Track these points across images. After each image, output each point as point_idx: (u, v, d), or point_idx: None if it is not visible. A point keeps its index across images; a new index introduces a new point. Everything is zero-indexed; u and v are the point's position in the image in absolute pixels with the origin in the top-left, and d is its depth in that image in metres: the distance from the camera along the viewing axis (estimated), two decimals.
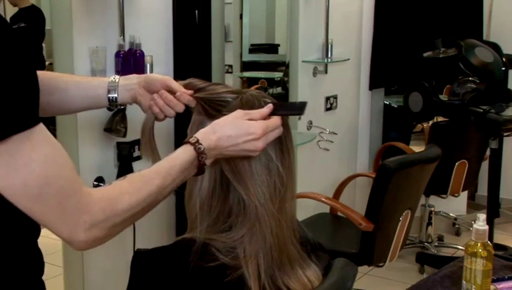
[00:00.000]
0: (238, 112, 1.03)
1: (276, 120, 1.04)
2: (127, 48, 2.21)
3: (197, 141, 0.99)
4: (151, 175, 0.95)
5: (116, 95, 1.18)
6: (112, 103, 1.20)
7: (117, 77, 1.21)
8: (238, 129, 1.00)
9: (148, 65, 2.23)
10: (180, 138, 1.21)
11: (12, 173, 0.77)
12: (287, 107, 1.15)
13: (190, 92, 1.11)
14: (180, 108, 1.13)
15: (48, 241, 0.94)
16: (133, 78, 1.21)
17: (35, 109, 0.79)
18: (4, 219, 0.84)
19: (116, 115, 2.19)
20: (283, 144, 1.07)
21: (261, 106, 1.06)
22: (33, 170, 0.78)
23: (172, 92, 1.14)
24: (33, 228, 0.89)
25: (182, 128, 1.17)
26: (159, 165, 0.97)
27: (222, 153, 1.01)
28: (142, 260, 1.03)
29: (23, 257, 0.89)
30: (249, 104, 1.06)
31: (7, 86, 0.74)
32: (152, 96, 1.15)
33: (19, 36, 0.78)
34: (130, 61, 2.19)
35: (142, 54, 2.23)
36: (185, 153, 0.98)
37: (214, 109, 1.07)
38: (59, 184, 0.81)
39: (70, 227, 0.84)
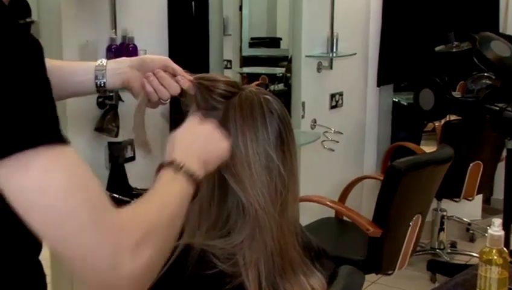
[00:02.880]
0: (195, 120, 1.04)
1: None
2: (119, 41, 2.22)
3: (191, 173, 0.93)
4: (165, 201, 0.88)
5: (104, 80, 1.13)
6: (100, 88, 1.14)
7: (104, 60, 1.16)
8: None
9: None
10: None
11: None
12: None
13: (191, 77, 1.10)
14: (176, 90, 1.10)
15: None
16: (123, 62, 1.17)
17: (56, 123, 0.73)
18: (4, 233, 0.81)
19: (108, 114, 2.19)
20: (284, 144, 1.07)
21: (260, 103, 1.06)
22: (54, 179, 0.71)
23: (170, 73, 1.12)
24: (34, 243, 0.86)
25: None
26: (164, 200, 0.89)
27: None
28: None
29: (24, 273, 0.87)
30: (248, 101, 1.06)
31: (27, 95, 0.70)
32: (146, 74, 1.12)
33: (34, 39, 0.74)
34: (123, 55, 2.20)
35: (135, 48, 2.23)
36: (182, 188, 0.91)
37: (210, 104, 1.07)
38: (88, 203, 0.73)
39: (111, 259, 0.72)
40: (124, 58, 1.19)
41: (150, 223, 0.79)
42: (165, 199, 0.87)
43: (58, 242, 0.72)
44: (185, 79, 1.10)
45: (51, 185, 0.70)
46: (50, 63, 0.78)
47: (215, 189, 1.05)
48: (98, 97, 2.21)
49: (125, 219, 0.77)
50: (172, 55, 2.43)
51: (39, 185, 0.70)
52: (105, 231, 0.73)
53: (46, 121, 0.72)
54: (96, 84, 1.14)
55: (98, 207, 0.74)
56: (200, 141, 1.01)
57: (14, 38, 0.71)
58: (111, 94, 2.10)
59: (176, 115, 2.35)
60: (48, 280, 2.32)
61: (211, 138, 1.02)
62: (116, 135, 2.19)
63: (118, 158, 2.21)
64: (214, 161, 1.01)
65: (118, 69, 1.14)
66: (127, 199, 2.04)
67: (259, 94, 1.09)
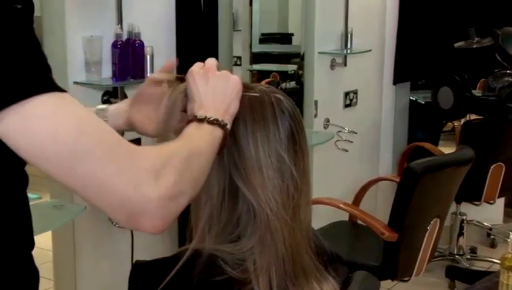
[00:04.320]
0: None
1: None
2: (125, 37, 2.22)
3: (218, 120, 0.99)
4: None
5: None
6: None
7: (105, 106, 1.19)
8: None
9: (148, 57, 2.24)
10: None
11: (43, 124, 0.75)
12: None
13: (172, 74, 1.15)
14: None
15: (36, 252, 0.95)
16: (122, 102, 1.21)
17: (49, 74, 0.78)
18: None
19: None
20: (296, 144, 1.07)
21: (271, 103, 1.06)
22: (65, 121, 0.75)
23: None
24: (27, 239, 0.88)
25: None
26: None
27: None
28: (141, 273, 1.03)
29: (16, 271, 0.88)
30: (258, 101, 1.06)
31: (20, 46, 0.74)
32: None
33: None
34: (128, 52, 2.20)
35: (141, 45, 2.24)
36: (207, 132, 0.97)
37: None
38: (98, 135, 0.78)
39: (132, 180, 0.77)
40: (125, 100, 1.23)
41: (169, 152, 0.84)
42: (185, 139, 0.92)
43: (77, 182, 0.77)
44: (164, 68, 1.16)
45: (60, 127, 0.74)
46: None
47: (225, 193, 1.05)
48: (103, 95, 2.22)
49: (141, 149, 0.82)
50: (180, 52, 2.44)
51: (49, 128, 0.74)
52: (123, 159, 0.77)
53: (43, 72, 0.76)
54: None
55: (111, 141, 0.79)
56: (216, 93, 1.03)
57: None
58: (115, 101, 2.11)
59: None
60: (50, 284, 2.34)
61: (223, 83, 1.05)
62: (122, 135, 2.19)
63: None
64: (235, 102, 1.03)
65: (118, 113, 1.17)
66: None
67: (270, 93, 1.08)
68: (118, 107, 1.18)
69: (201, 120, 0.97)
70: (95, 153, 0.76)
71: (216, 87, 1.04)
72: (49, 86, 0.75)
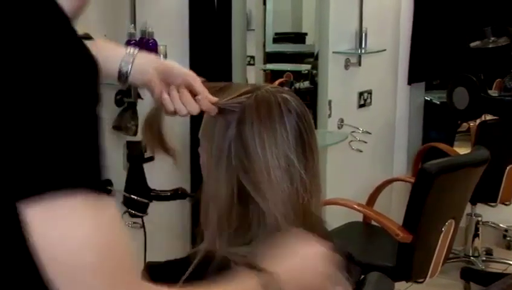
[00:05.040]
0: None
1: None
2: (138, 36, 2.22)
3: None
4: None
5: (128, 71, 1.11)
6: (121, 77, 1.11)
7: (133, 50, 1.13)
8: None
9: (161, 56, 2.24)
10: (195, 136, 1.19)
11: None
12: None
13: (214, 99, 1.07)
14: (195, 111, 1.08)
15: None
16: (150, 62, 1.14)
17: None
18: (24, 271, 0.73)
19: (126, 112, 2.20)
20: (305, 145, 1.05)
21: (278, 103, 1.05)
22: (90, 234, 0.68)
23: (192, 92, 1.09)
24: None
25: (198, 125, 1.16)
26: None
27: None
28: (153, 275, 1.03)
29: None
30: (265, 102, 1.05)
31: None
32: (169, 88, 1.10)
33: (92, 58, 0.71)
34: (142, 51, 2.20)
35: (154, 44, 2.24)
36: None
37: (228, 110, 1.07)
38: (118, 255, 0.70)
39: None
40: (151, 58, 1.17)
41: None
42: None
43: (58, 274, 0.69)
44: (206, 100, 1.07)
45: (73, 235, 0.67)
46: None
47: (234, 196, 1.04)
48: (116, 95, 2.22)
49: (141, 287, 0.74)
50: (193, 51, 2.44)
51: (62, 230, 0.67)
52: None
53: (89, 163, 0.68)
54: (120, 72, 1.11)
55: (116, 278, 0.70)
56: (304, 279, 0.96)
57: (71, 56, 0.68)
58: (132, 102, 2.11)
59: None
60: None
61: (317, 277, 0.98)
62: (135, 134, 2.20)
63: (136, 157, 2.22)
64: None
65: (143, 70, 1.12)
66: (145, 201, 2.05)
67: (277, 93, 1.07)
68: (143, 69, 1.11)
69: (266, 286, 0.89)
70: (89, 283, 0.68)
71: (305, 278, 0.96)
72: (89, 181, 0.67)
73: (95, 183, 0.68)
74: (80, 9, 0.78)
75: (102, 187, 0.69)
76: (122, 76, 1.11)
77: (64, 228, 0.66)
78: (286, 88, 1.17)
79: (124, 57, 1.11)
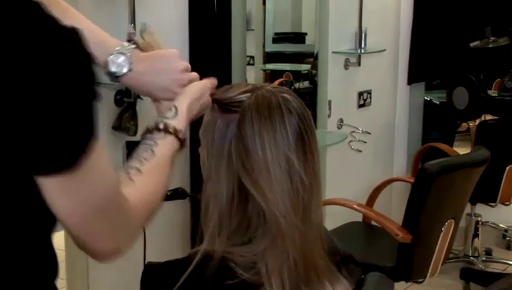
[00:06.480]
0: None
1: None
2: (137, 37, 2.23)
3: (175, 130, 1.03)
4: (162, 165, 1.00)
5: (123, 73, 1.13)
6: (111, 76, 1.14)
7: (131, 45, 1.15)
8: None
9: None
10: (195, 140, 1.20)
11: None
12: None
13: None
14: None
15: None
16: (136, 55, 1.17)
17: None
18: (20, 210, 0.78)
19: (126, 112, 2.21)
20: (306, 145, 1.05)
21: (278, 103, 1.05)
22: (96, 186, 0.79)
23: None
24: (49, 219, 0.85)
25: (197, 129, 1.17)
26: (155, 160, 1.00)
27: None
28: (153, 274, 1.03)
29: (36, 254, 0.85)
30: (265, 101, 1.05)
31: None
32: None
33: (85, 51, 0.74)
34: None
35: None
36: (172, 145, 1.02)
37: (228, 110, 1.07)
38: (113, 197, 0.83)
39: (116, 243, 0.89)
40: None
41: (143, 216, 0.94)
42: (163, 173, 1.00)
43: (75, 203, 0.79)
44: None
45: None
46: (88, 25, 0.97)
47: (234, 196, 1.04)
48: (116, 95, 2.22)
49: (131, 217, 0.89)
50: (193, 51, 2.44)
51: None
52: (118, 229, 0.87)
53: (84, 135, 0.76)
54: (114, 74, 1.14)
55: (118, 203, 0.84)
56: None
57: (61, 47, 0.70)
58: (132, 101, 2.11)
59: None
60: (63, 284, 2.35)
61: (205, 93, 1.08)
62: (135, 134, 2.20)
63: None
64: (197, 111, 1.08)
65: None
66: None
67: (277, 93, 1.07)
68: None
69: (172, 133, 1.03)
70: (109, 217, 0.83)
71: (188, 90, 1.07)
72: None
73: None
74: None
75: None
76: (112, 76, 1.13)
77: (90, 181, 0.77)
78: (286, 88, 1.16)
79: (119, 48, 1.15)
